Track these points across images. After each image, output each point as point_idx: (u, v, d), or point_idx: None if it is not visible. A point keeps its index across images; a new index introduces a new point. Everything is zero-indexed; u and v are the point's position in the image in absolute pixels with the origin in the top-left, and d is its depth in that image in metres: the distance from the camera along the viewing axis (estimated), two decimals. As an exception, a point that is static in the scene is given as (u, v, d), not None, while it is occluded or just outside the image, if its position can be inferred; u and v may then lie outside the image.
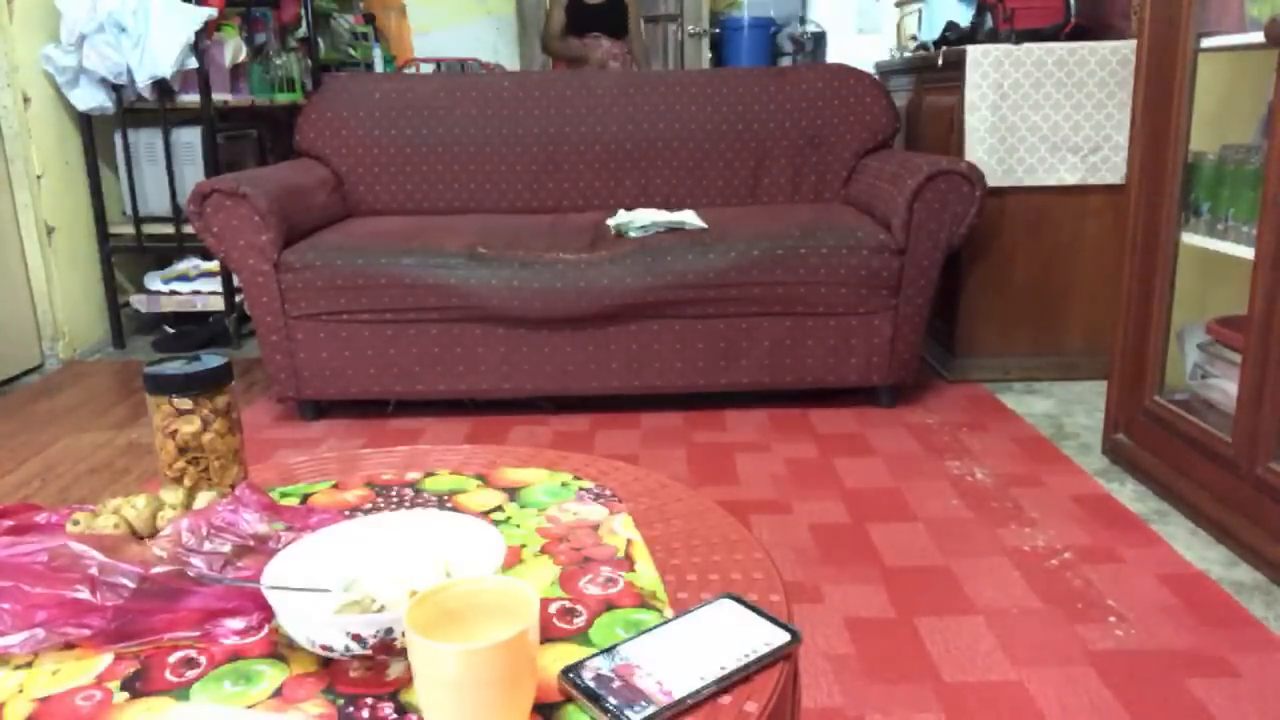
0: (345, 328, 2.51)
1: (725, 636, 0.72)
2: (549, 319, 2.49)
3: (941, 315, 2.93)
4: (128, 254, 3.51)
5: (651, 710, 0.63)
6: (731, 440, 2.43)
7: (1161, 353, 2.08)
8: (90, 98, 3.21)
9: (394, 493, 1.02)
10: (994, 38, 2.84)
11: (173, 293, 3.45)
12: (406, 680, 0.68)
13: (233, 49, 3.45)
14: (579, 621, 0.76)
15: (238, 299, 3.39)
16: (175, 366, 0.90)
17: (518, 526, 0.94)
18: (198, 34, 3.18)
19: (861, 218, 2.63)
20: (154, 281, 3.48)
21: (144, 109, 3.29)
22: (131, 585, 0.73)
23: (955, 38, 3.06)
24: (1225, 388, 1.98)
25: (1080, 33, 2.79)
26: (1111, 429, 2.25)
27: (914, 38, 3.87)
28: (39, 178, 3.17)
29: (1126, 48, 2.62)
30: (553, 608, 0.78)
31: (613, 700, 0.64)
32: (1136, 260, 2.12)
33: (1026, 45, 2.66)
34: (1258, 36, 1.72)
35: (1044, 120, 2.69)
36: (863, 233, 2.49)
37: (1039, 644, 1.53)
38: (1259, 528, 1.75)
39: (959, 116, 2.74)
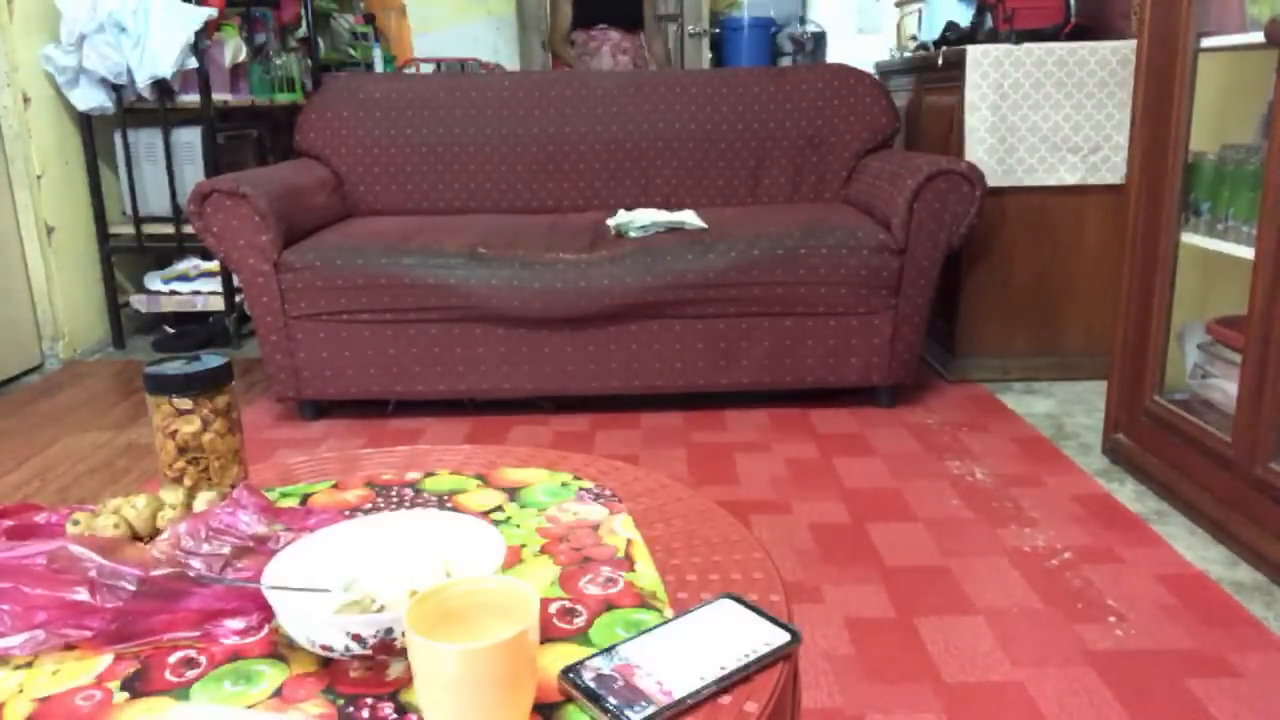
0: (345, 328, 2.51)
1: (725, 636, 0.72)
2: (549, 319, 2.49)
3: (941, 315, 2.93)
4: (128, 254, 3.51)
5: (651, 710, 0.63)
6: (731, 440, 2.43)
7: (1161, 353, 2.08)
8: (90, 98, 3.21)
9: (394, 493, 1.02)
10: (994, 38, 2.84)
11: (173, 293, 3.45)
12: (406, 680, 0.68)
13: (233, 49, 3.45)
14: (579, 621, 0.76)
15: (238, 299, 3.39)
16: (175, 366, 0.90)
17: (518, 526, 0.94)
18: (198, 34, 3.18)
19: (861, 218, 2.63)
20: (154, 281, 3.48)
21: (144, 109, 3.29)
22: (131, 587, 0.73)
23: (955, 38, 3.06)
24: (1225, 388, 1.98)
25: (1080, 33, 2.79)
26: (1111, 429, 2.25)
27: (914, 38, 3.87)
28: (39, 178, 3.18)
29: (1126, 48, 2.62)
30: (553, 608, 0.78)
31: (613, 700, 0.64)
32: (1136, 260, 2.12)
33: (1026, 45, 2.66)
34: (1258, 36, 1.72)
35: (1044, 120, 2.69)
36: (863, 233, 2.49)
37: (1039, 644, 1.53)
38: (1259, 528, 1.75)
39: (959, 116, 2.74)
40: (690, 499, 0.99)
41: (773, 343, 2.54)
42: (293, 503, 1.00)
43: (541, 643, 0.71)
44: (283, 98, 3.78)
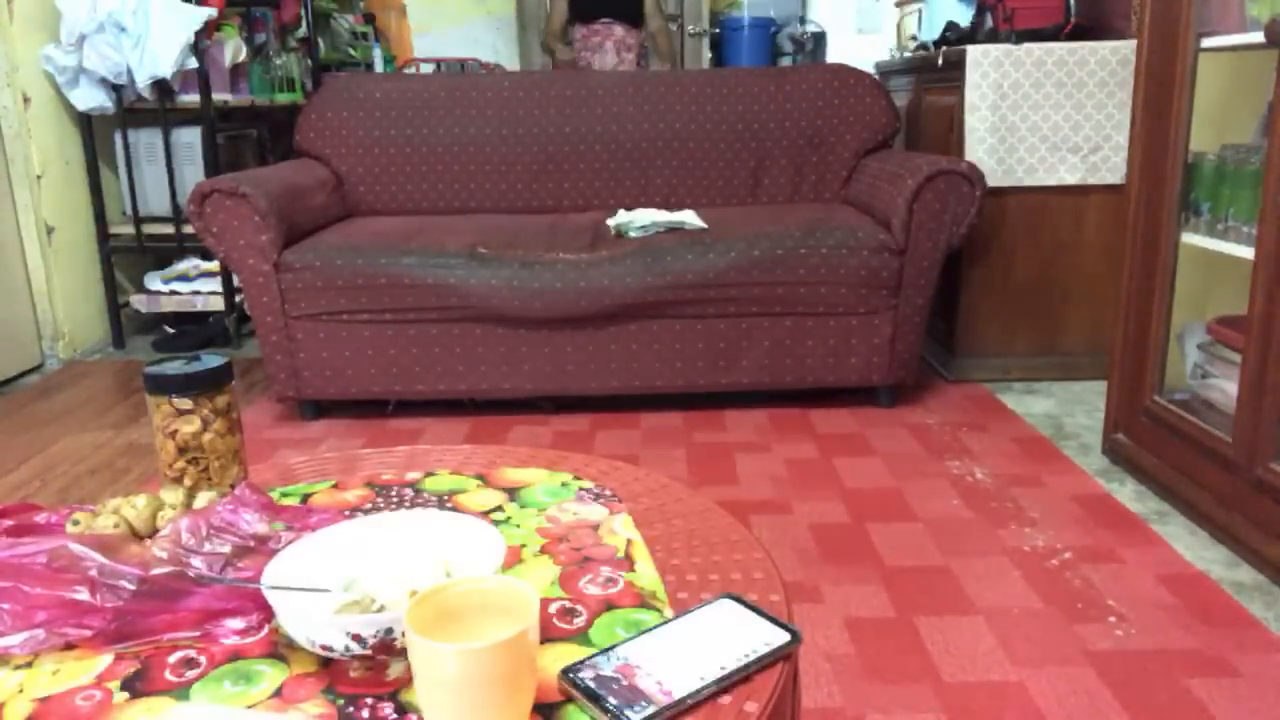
0: (345, 328, 2.51)
1: (725, 636, 0.72)
2: (549, 319, 2.49)
3: (941, 315, 2.93)
4: (128, 254, 3.51)
5: (651, 710, 0.63)
6: (731, 440, 2.43)
7: (1161, 353, 2.08)
8: (90, 98, 3.21)
9: (394, 493, 1.02)
10: (994, 38, 2.84)
11: (173, 293, 3.45)
12: (406, 680, 0.68)
13: (233, 49, 3.45)
14: (579, 621, 0.76)
15: (238, 299, 3.39)
16: (175, 366, 0.90)
17: (518, 526, 0.94)
18: (198, 34, 3.18)
19: (861, 218, 2.63)
20: (154, 281, 3.48)
21: (144, 109, 3.29)
22: (131, 587, 0.73)
23: (955, 38, 3.06)
24: (1225, 388, 1.98)
25: (1080, 33, 2.79)
26: (1111, 429, 2.25)
27: (914, 38, 3.87)
28: (39, 178, 3.18)
29: (1126, 48, 2.62)
30: (553, 608, 0.78)
31: (613, 700, 0.64)
32: (1136, 260, 2.12)
33: (1026, 45, 2.66)
34: (1258, 36, 1.72)
35: (1044, 120, 2.69)
36: (863, 233, 2.49)
37: (1039, 644, 1.53)
38: (1259, 528, 1.75)
39: (959, 116, 2.74)
40: (690, 499, 0.99)
41: (773, 343, 2.54)
42: (293, 503, 1.00)
43: (541, 643, 0.71)
44: (283, 98, 3.78)
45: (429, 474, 1.07)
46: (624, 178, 3.10)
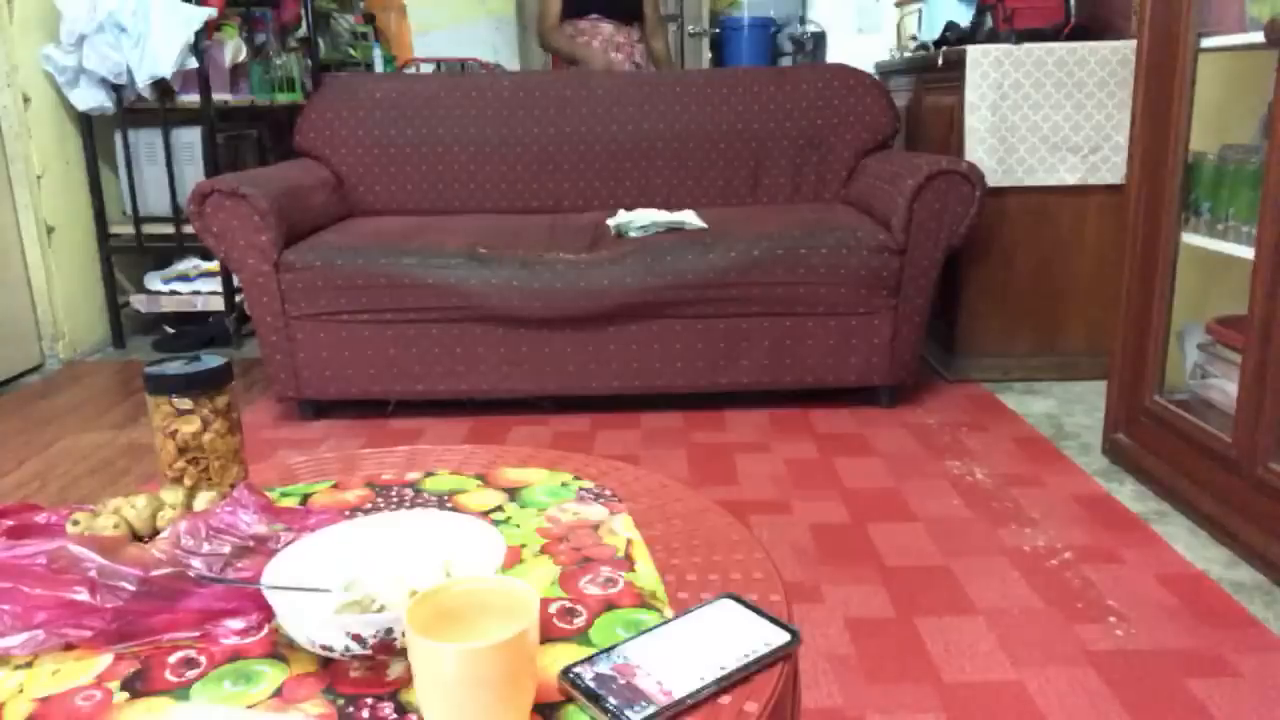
0: (345, 328, 2.51)
1: (725, 636, 0.72)
2: (549, 319, 2.49)
3: (941, 315, 2.93)
4: (128, 254, 3.51)
5: (651, 710, 0.63)
6: (731, 440, 2.43)
7: (1161, 353, 2.08)
8: (90, 98, 3.21)
9: (394, 493, 1.02)
10: (994, 38, 2.84)
11: (173, 293, 3.45)
12: (406, 680, 0.68)
13: (233, 49, 3.45)
14: (579, 621, 0.76)
15: (238, 299, 3.39)
16: (175, 366, 0.90)
17: (518, 526, 0.94)
18: (198, 34, 3.18)
19: (861, 218, 2.63)
20: (154, 281, 3.48)
21: (144, 109, 3.29)
22: (131, 587, 0.73)
23: (955, 38, 3.05)
24: (1225, 388, 1.98)
25: (1080, 33, 2.79)
26: (1111, 429, 2.24)
27: (914, 38, 3.87)
28: (39, 178, 3.18)
29: (1126, 48, 2.62)
30: (553, 608, 0.78)
31: (613, 700, 0.64)
32: (1136, 260, 2.12)
33: (1026, 45, 2.66)
34: (1258, 36, 1.72)
35: (1044, 120, 2.69)
36: (863, 233, 2.49)
37: (1039, 644, 1.53)
38: (1259, 528, 1.75)
39: (959, 116, 2.74)
40: (690, 499, 0.99)
41: (773, 343, 2.54)
42: (293, 503, 1.00)
43: (541, 643, 0.71)
44: (283, 98, 3.78)
45: (429, 474, 1.07)
46: (624, 178, 3.10)
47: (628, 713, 0.63)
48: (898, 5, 4.31)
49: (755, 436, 2.45)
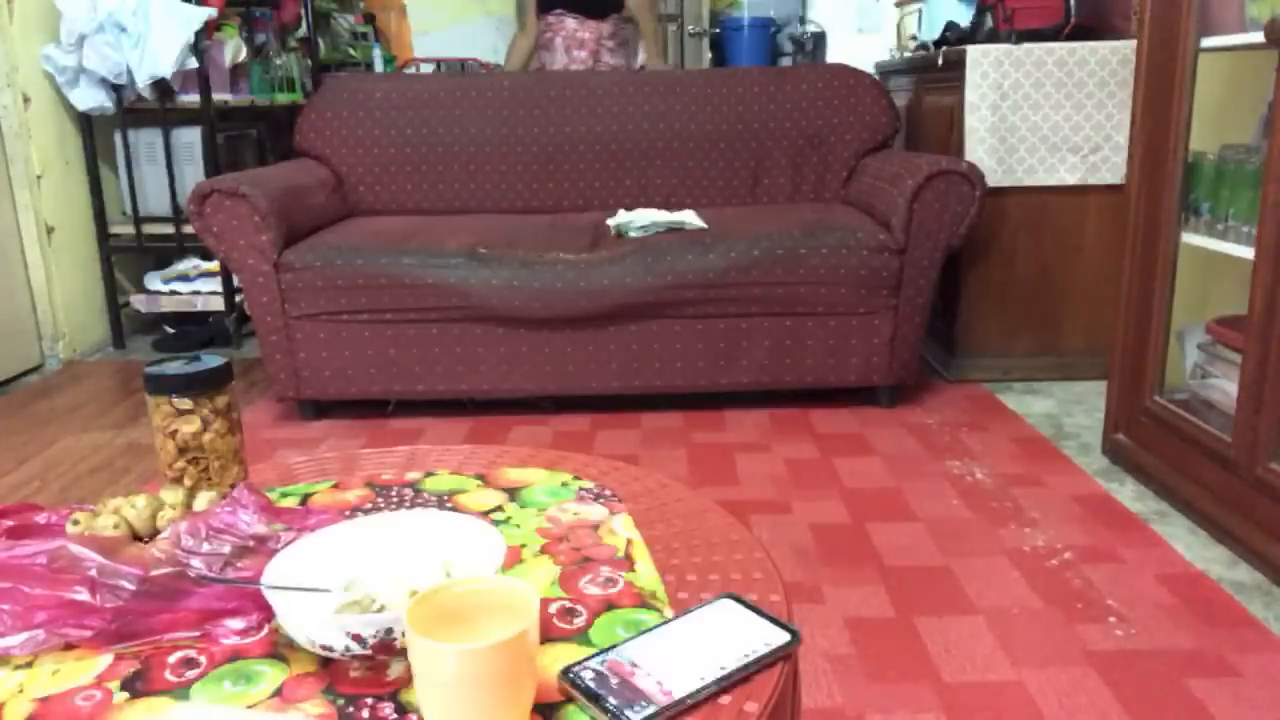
0: (345, 328, 2.51)
1: (725, 636, 0.72)
2: (549, 319, 2.49)
3: (941, 315, 2.93)
4: (128, 254, 3.51)
5: (651, 710, 0.63)
6: (731, 440, 2.43)
7: (1161, 353, 2.08)
8: (90, 98, 3.21)
9: (394, 493, 1.02)
10: (994, 38, 2.84)
11: (173, 293, 3.45)
12: (406, 680, 0.68)
13: (233, 49, 3.45)
14: (579, 621, 0.76)
15: (238, 299, 3.39)
16: (175, 366, 0.90)
17: (518, 526, 0.93)
18: (198, 34, 3.18)
19: (861, 218, 2.63)
20: (154, 281, 3.48)
21: (144, 109, 3.29)
22: (131, 587, 0.73)
23: (955, 38, 3.05)
24: (1225, 388, 1.98)
25: (1080, 33, 2.79)
26: (1111, 429, 2.24)
27: (914, 38, 3.87)
28: (39, 178, 3.17)
29: (1126, 48, 2.62)
30: (553, 608, 0.78)
31: (613, 700, 0.64)
32: (1136, 260, 2.12)
33: (1026, 45, 2.66)
34: (1258, 36, 1.72)
35: (1044, 120, 2.69)
36: (863, 233, 2.49)
37: (1039, 644, 1.53)
38: (1259, 528, 1.75)
39: (959, 116, 2.74)
40: (690, 499, 0.99)
41: (773, 343, 2.54)
42: (293, 503, 1.00)
43: (541, 643, 0.71)
44: (283, 98, 3.78)
45: (429, 474, 1.07)
46: (624, 178, 3.10)
47: (628, 713, 0.63)
48: (898, 5, 4.31)
49: (755, 436, 2.45)
